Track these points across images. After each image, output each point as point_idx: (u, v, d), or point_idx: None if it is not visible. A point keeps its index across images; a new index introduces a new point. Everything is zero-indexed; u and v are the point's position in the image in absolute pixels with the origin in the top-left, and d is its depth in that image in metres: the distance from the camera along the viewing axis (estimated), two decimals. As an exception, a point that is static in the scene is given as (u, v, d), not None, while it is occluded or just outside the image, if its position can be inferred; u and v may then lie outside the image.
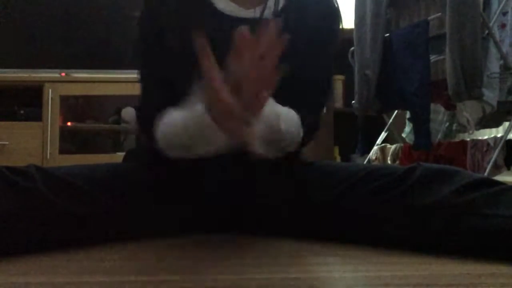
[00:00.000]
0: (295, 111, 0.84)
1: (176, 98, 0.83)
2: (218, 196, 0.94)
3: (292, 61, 0.91)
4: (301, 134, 0.85)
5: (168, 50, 0.90)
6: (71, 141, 2.96)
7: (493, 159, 1.80)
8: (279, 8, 0.91)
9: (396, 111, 2.52)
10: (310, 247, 0.84)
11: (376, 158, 2.57)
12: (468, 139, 2.07)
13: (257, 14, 0.90)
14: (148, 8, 0.94)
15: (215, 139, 0.70)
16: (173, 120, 0.79)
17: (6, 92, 2.87)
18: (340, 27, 0.99)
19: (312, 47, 0.91)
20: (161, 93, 0.91)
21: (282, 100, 0.82)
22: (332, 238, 0.86)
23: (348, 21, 2.51)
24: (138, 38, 0.96)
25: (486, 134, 2.51)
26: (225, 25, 0.89)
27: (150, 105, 0.91)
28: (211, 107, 0.66)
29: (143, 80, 0.94)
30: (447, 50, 1.81)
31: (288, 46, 0.90)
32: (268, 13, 0.90)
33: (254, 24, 0.90)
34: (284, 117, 0.79)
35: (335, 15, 0.97)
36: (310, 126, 0.88)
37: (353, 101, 2.37)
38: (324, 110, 1.01)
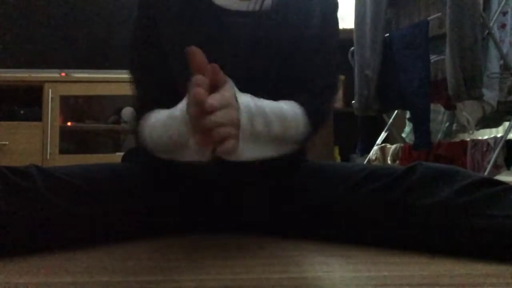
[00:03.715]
0: (296, 100, 0.82)
1: (171, 98, 0.83)
2: (218, 196, 0.94)
3: (289, 49, 0.91)
4: (304, 126, 0.81)
5: (163, 48, 0.90)
6: (71, 141, 2.96)
7: (493, 159, 1.80)
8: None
9: (396, 111, 2.52)
10: (310, 247, 0.84)
11: (376, 158, 2.57)
12: (468, 139, 2.07)
13: (253, 7, 0.89)
14: (144, 4, 0.94)
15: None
16: (155, 120, 0.80)
17: (6, 92, 2.87)
18: (337, 15, 0.98)
19: (309, 35, 0.91)
20: (155, 93, 0.92)
21: (281, 87, 0.81)
22: (332, 238, 0.86)
23: (348, 21, 2.52)
24: (134, 36, 0.96)
25: (486, 134, 2.51)
26: (223, 18, 0.89)
27: (145, 106, 0.91)
28: (189, 109, 0.65)
29: (136, 80, 0.94)
30: (447, 50, 1.81)
31: (285, 35, 0.90)
32: (262, 5, 0.90)
33: (251, 17, 0.90)
34: (270, 111, 0.75)
35: (332, 4, 0.97)
36: (314, 113, 0.83)
37: (353, 101, 2.37)
38: (334, 99, 0.98)
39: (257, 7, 0.89)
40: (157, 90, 0.92)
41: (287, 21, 0.90)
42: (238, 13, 0.89)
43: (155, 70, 0.93)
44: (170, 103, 0.78)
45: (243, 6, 0.89)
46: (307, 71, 0.91)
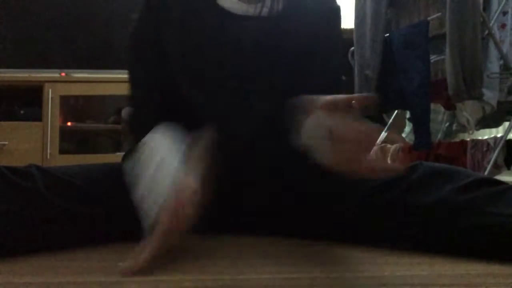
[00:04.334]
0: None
1: (169, 101, 0.83)
2: (217, 195, 0.94)
3: (293, 53, 0.91)
4: None
5: (166, 51, 0.90)
6: (71, 141, 2.96)
7: (493, 159, 1.80)
8: (280, 5, 0.91)
9: (396, 111, 2.52)
10: (310, 247, 0.84)
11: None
12: (468, 139, 2.06)
13: (258, 11, 0.89)
14: (148, 7, 0.94)
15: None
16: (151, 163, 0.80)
17: (6, 92, 2.87)
18: (340, 22, 0.99)
19: (315, 42, 0.91)
20: (153, 95, 0.92)
21: (285, 90, 0.82)
22: (333, 238, 0.86)
23: (348, 21, 2.51)
24: (135, 38, 0.96)
25: (486, 134, 2.51)
26: (227, 21, 0.88)
27: (141, 108, 0.92)
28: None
29: (134, 81, 0.94)
30: (447, 50, 1.81)
31: (289, 39, 0.90)
32: (267, 10, 0.90)
33: (255, 20, 0.90)
34: None
35: (336, 11, 0.97)
36: None
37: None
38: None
39: (262, 11, 0.89)
40: (155, 92, 0.93)
41: (292, 25, 0.90)
42: (242, 16, 0.89)
43: (155, 71, 0.93)
44: (167, 105, 0.78)
45: (248, 10, 0.89)
46: (311, 76, 0.91)
